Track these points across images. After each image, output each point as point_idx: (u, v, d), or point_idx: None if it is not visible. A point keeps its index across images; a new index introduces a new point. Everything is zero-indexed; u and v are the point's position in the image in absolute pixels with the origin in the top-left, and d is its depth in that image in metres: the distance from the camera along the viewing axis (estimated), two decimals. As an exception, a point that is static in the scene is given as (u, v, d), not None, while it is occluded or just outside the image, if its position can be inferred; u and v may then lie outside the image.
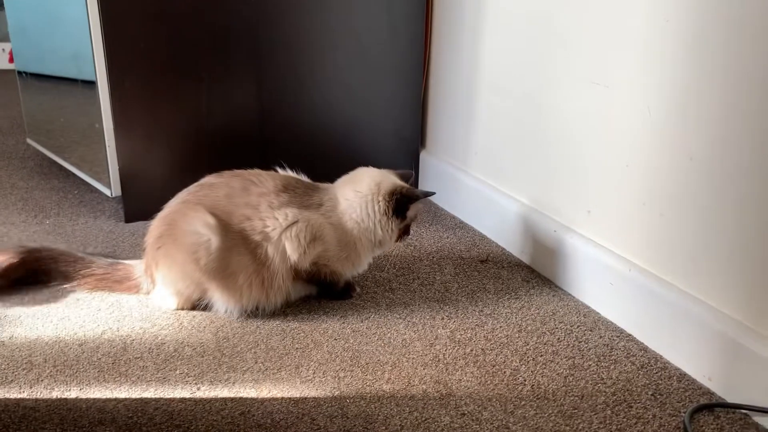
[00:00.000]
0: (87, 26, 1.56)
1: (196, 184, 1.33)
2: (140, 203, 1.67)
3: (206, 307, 1.30)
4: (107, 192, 1.69)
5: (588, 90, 1.34)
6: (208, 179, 1.33)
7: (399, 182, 1.36)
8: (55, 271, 1.35)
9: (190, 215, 1.25)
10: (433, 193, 1.45)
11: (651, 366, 1.16)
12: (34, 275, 1.35)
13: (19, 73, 2.10)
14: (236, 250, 1.25)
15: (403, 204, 1.33)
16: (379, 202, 1.32)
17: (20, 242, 1.54)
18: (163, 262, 1.28)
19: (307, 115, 1.84)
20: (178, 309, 1.31)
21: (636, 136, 1.23)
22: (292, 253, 1.27)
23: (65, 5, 1.71)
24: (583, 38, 1.35)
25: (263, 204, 1.28)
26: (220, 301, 1.28)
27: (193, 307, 1.31)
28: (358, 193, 1.33)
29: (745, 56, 1.02)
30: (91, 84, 1.63)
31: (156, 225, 1.30)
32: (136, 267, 1.36)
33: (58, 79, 1.90)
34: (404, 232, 1.38)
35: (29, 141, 2.16)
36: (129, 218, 1.70)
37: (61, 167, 1.99)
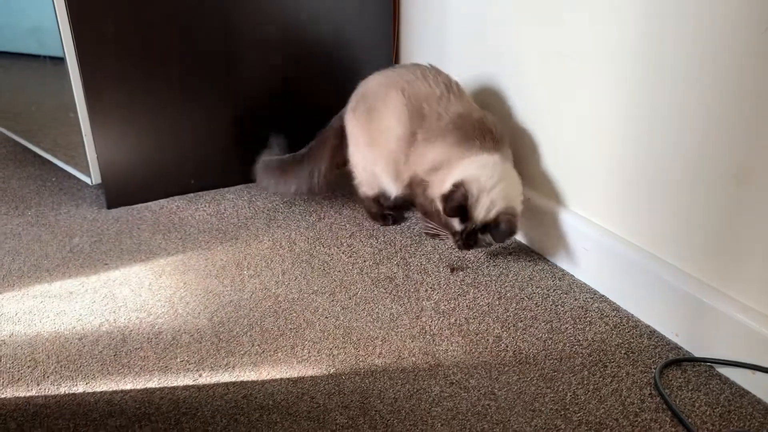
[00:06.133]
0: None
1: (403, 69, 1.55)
2: (122, 188, 1.68)
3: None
4: (87, 180, 1.70)
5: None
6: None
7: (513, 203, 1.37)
8: None
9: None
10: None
11: (623, 325, 1.25)
12: None
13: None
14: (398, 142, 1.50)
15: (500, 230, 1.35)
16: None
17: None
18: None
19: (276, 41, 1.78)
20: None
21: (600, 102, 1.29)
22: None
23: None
24: None
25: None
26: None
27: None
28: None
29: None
30: (57, 59, 1.56)
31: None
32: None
33: (15, 55, 1.84)
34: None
35: (-3, 127, 2.12)
36: (111, 204, 1.71)
37: (35, 153, 1.98)
